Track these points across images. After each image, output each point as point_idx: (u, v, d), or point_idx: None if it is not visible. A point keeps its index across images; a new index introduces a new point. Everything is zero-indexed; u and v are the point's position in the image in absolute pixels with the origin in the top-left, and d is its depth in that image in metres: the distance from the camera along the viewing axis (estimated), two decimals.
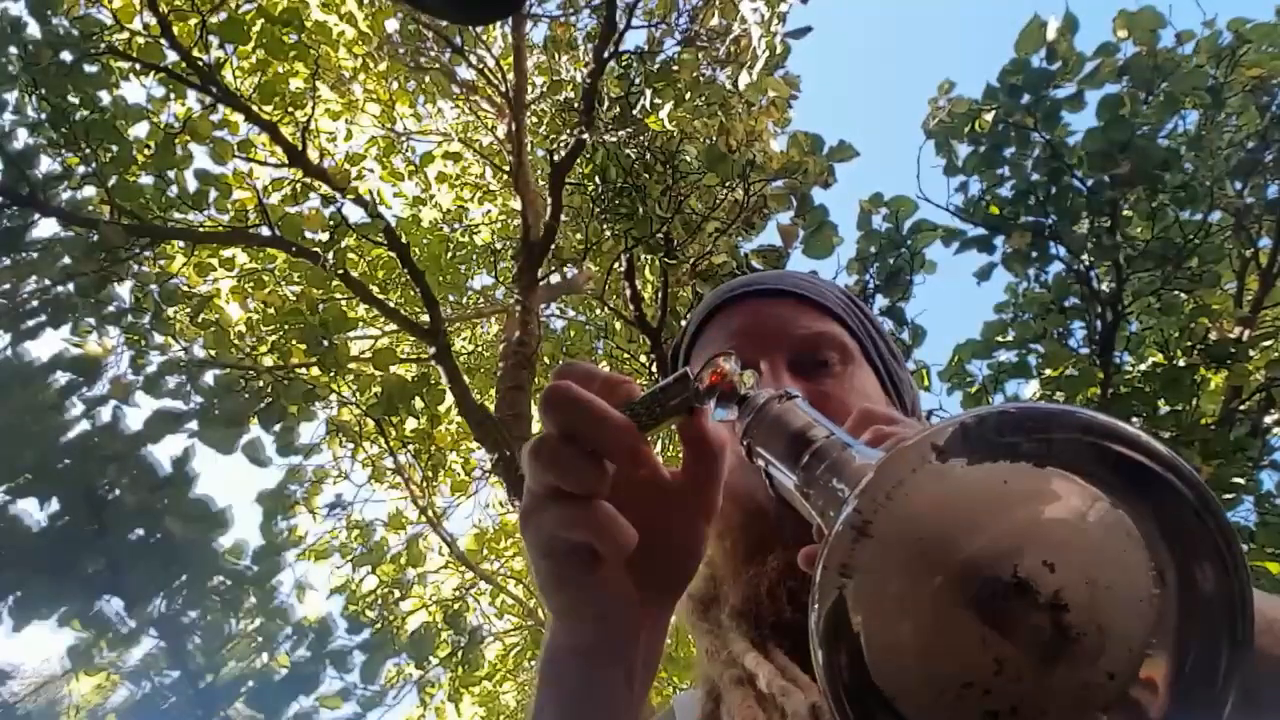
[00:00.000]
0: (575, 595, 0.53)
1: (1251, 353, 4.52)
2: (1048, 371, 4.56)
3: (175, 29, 5.44)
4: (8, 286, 4.47)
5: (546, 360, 7.05)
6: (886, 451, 0.37)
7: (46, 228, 4.82)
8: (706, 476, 0.55)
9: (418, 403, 5.49)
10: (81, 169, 4.95)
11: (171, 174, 5.39)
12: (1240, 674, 0.36)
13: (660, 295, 5.21)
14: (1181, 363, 4.39)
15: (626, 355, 6.20)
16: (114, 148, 5.00)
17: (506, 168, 6.87)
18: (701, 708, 0.73)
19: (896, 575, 0.38)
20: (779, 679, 0.66)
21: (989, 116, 4.60)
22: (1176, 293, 4.59)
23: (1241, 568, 0.36)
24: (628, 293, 5.35)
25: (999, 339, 4.69)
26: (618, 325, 6.63)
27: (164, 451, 5.69)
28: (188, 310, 5.54)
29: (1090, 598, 0.37)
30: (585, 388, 0.50)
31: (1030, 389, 4.66)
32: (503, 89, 6.56)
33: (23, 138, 4.77)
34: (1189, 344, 4.49)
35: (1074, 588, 0.37)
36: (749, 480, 0.70)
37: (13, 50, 4.54)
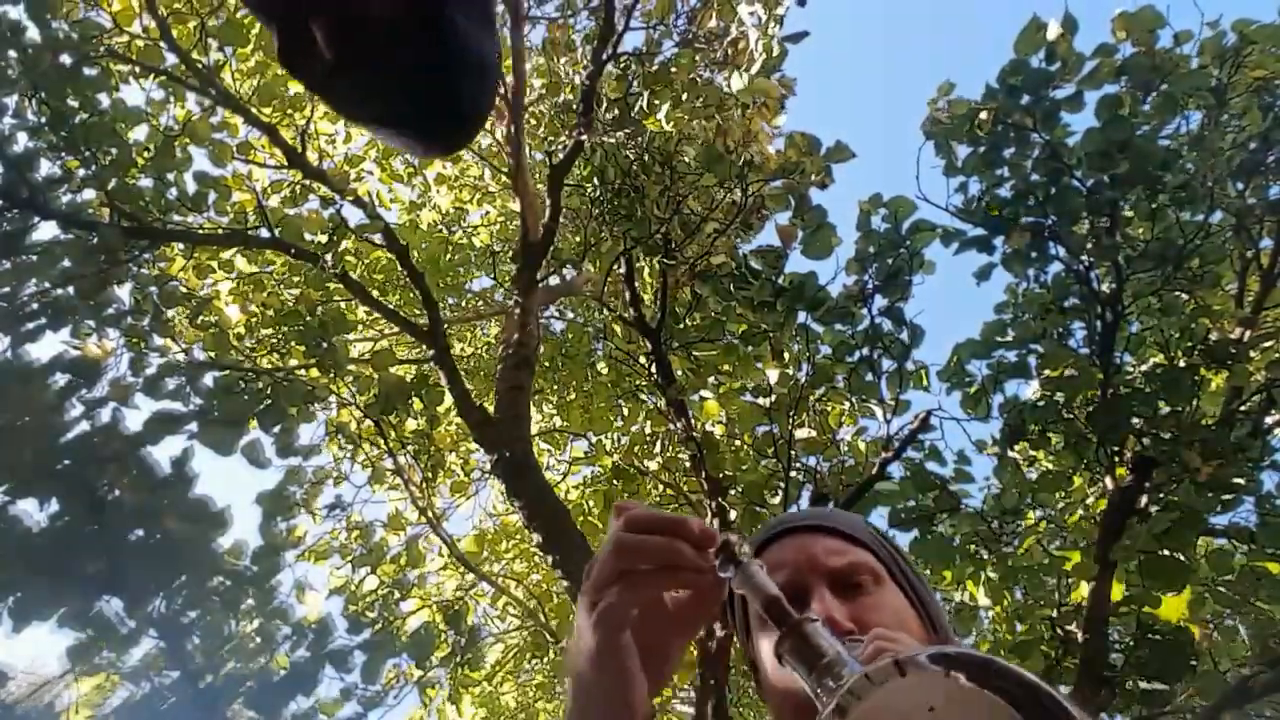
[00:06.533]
0: (616, 676, 0.70)
1: (1252, 353, 4.51)
2: (1047, 372, 4.55)
3: (174, 32, 5.45)
4: (7, 289, 4.47)
5: (545, 362, 7.04)
6: (863, 667, 0.53)
7: (46, 231, 4.83)
8: (702, 615, 0.78)
9: (417, 403, 5.49)
10: (81, 172, 4.96)
11: (171, 176, 5.39)
12: None
13: (659, 296, 5.21)
14: (1182, 363, 4.39)
15: (626, 356, 6.20)
16: (113, 150, 5.01)
17: (505, 169, 6.87)
18: None
19: None
20: None
21: (988, 116, 4.60)
22: (1177, 293, 4.59)
23: None
24: (626, 294, 5.35)
25: (998, 338, 4.69)
26: (616, 328, 6.63)
27: (164, 452, 5.69)
28: (187, 312, 5.55)
29: None
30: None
31: (1030, 389, 4.66)
32: (501, 90, 6.57)
33: (22, 141, 4.78)
34: (1189, 344, 4.48)
35: None
36: None
37: (12, 54, 4.54)
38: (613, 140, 5.45)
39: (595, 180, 5.59)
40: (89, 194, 5.07)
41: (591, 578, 0.71)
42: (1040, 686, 0.49)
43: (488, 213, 8.33)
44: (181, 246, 5.84)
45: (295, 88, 6.42)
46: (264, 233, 5.52)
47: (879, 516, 4.47)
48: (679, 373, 5.38)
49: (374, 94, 0.72)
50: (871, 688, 0.51)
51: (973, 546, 4.53)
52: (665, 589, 0.73)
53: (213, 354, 5.37)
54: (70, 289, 4.66)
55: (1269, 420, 4.41)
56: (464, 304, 8.42)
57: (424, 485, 5.98)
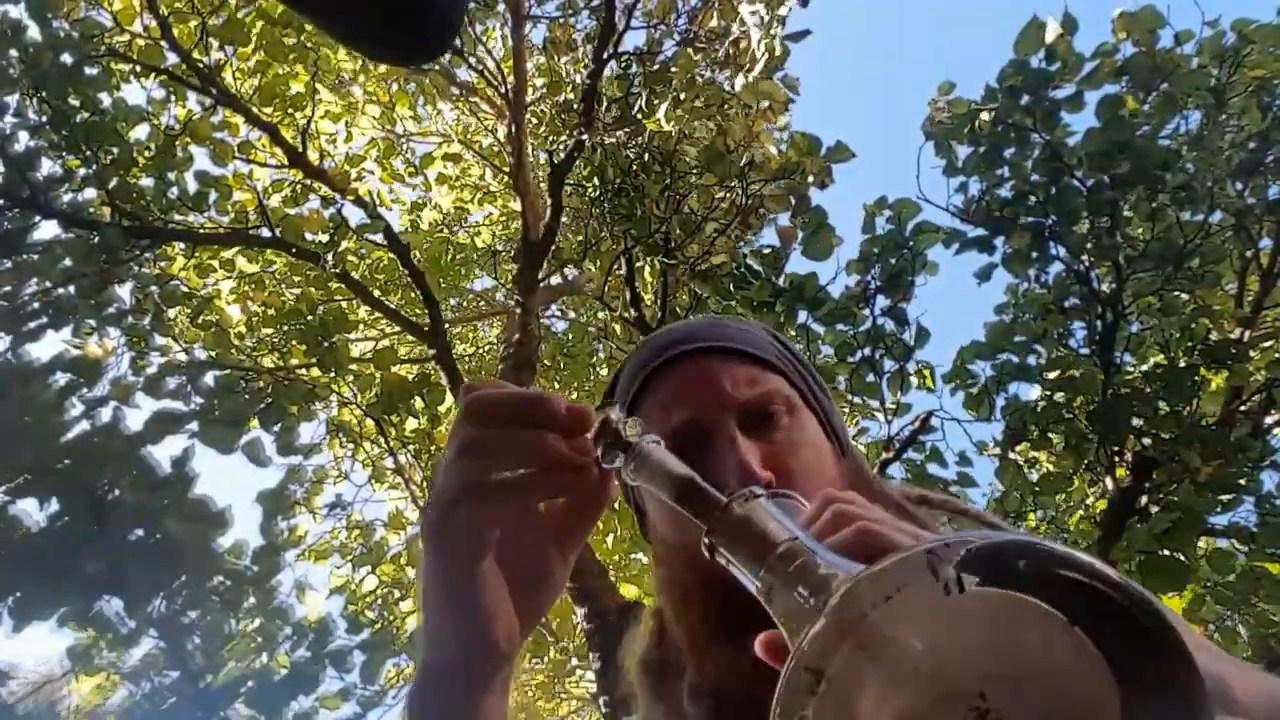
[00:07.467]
0: (474, 615, 0.54)
1: (1252, 353, 4.51)
2: (1049, 375, 4.55)
3: (175, 31, 5.45)
4: (9, 288, 4.47)
5: (546, 362, 7.04)
6: (862, 570, 0.37)
7: (47, 230, 4.84)
8: (586, 520, 0.60)
9: (418, 403, 5.49)
10: (82, 171, 4.96)
11: (172, 176, 5.39)
12: None
13: (659, 296, 5.21)
14: (1182, 363, 4.39)
15: (626, 356, 6.19)
16: (114, 150, 5.01)
17: (506, 169, 6.87)
18: None
19: (862, 699, 0.37)
20: None
21: (988, 117, 4.60)
22: (1177, 293, 4.59)
23: (1202, 706, 0.36)
24: (627, 294, 5.35)
25: (1003, 341, 4.69)
26: (617, 328, 6.63)
27: (164, 452, 5.69)
28: (188, 311, 5.55)
29: None
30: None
31: (1033, 392, 4.66)
32: (502, 90, 6.57)
33: (24, 140, 4.78)
34: (1189, 344, 4.48)
35: None
36: None
37: (13, 53, 4.54)
38: (613, 140, 5.45)
39: (596, 180, 5.59)
40: (90, 193, 5.07)
41: (435, 490, 0.55)
42: (1098, 571, 0.35)
43: (490, 214, 8.33)
44: (182, 246, 5.84)
45: (296, 87, 6.42)
46: (265, 232, 5.52)
47: None
48: None
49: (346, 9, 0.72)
50: (879, 599, 0.36)
51: None
52: (533, 499, 0.57)
53: (213, 353, 5.37)
54: (71, 288, 4.66)
55: (1269, 420, 4.41)
56: (465, 304, 8.42)
57: (424, 484, 5.98)
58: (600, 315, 7.23)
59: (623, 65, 5.82)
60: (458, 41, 6.31)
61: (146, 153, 5.37)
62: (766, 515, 0.46)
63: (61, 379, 4.16)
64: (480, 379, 0.58)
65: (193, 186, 5.50)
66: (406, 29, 0.76)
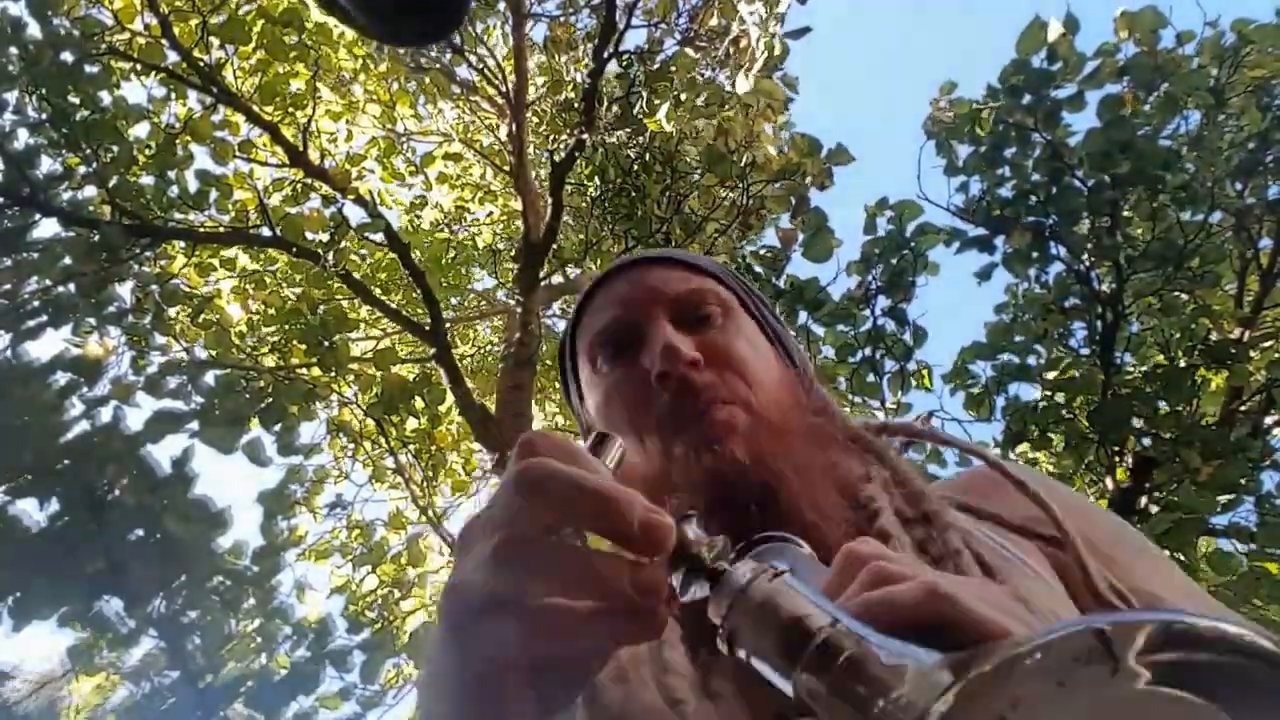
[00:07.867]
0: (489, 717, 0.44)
1: (1252, 353, 4.51)
2: (1049, 375, 4.55)
3: (176, 29, 5.45)
4: (8, 287, 4.47)
5: (547, 362, 7.04)
6: (957, 680, 0.28)
7: (47, 228, 4.83)
8: (640, 638, 0.46)
9: (418, 402, 5.49)
10: (82, 169, 4.95)
11: (172, 174, 5.39)
12: None
13: None
14: (1182, 363, 4.39)
15: None
16: (115, 148, 5.00)
17: (507, 168, 6.87)
18: None
19: None
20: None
21: (989, 116, 4.60)
22: (1177, 293, 4.59)
23: None
24: None
25: (1003, 341, 4.69)
26: None
27: (164, 451, 5.70)
28: (189, 311, 5.55)
29: None
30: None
31: (1032, 391, 4.66)
32: (503, 89, 6.56)
33: (23, 138, 4.77)
34: (1189, 344, 4.48)
35: None
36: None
37: (13, 50, 4.54)
38: (614, 139, 5.45)
39: (597, 179, 5.59)
40: (90, 191, 5.07)
41: (459, 586, 0.43)
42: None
43: (491, 212, 8.33)
44: (183, 245, 5.83)
45: (297, 85, 6.42)
46: (265, 231, 5.52)
47: None
48: None
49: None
50: (1006, 706, 0.27)
51: None
52: (585, 640, 0.42)
53: (214, 352, 5.37)
54: (71, 287, 4.66)
55: (1269, 420, 4.41)
56: (466, 303, 8.42)
57: (425, 484, 5.99)
58: None
59: (623, 64, 5.82)
60: (458, 40, 6.31)
61: (147, 151, 5.36)
62: (796, 594, 0.38)
63: (61, 378, 4.16)
64: (546, 433, 0.45)
65: (193, 185, 5.50)
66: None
